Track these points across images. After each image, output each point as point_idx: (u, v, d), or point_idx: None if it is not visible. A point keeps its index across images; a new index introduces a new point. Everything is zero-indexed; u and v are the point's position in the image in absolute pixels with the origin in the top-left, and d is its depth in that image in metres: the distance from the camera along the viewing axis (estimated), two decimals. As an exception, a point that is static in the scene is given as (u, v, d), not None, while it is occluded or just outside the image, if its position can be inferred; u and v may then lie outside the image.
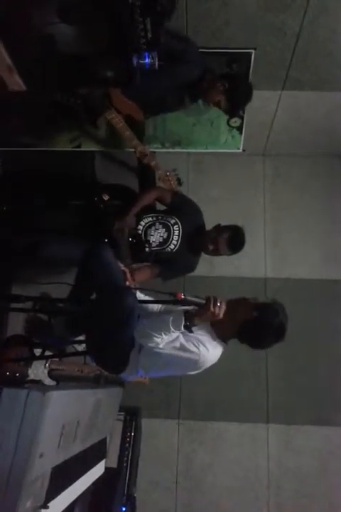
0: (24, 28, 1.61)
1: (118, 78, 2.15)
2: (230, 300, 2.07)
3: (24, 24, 1.60)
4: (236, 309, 2.08)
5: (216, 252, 2.70)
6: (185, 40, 2.52)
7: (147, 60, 1.99)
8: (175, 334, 1.99)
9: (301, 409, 3.54)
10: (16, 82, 1.76)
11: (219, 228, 2.71)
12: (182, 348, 2.01)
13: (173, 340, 2.01)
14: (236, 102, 2.69)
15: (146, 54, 1.98)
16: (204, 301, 2.01)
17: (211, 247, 2.68)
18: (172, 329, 1.97)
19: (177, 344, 2.01)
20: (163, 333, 1.98)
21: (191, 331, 2.01)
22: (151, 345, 2.01)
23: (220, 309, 1.95)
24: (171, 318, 1.99)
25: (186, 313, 2.02)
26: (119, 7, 1.71)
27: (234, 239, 2.67)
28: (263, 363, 3.61)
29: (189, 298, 2.00)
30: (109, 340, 2.20)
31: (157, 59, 1.99)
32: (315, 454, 3.51)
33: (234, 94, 2.61)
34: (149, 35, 1.84)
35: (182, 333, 2.01)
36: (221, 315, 1.96)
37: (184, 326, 1.98)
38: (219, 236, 2.67)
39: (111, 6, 1.70)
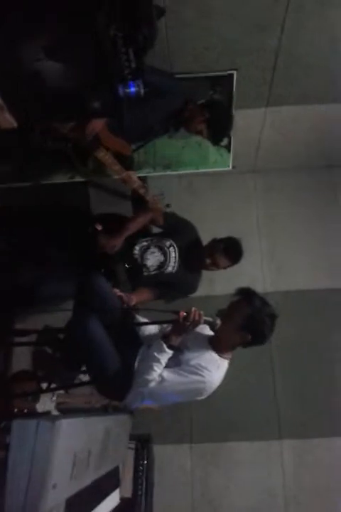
0: (11, 65, 1.67)
1: (105, 109, 2.21)
2: (221, 313, 2.10)
3: (11, 62, 1.66)
4: (231, 316, 2.10)
5: (214, 265, 2.71)
6: (164, 74, 2.62)
7: (133, 89, 2.05)
8: (166, 355, 2.03)
9: (313, 422, 3.50)
10: (7, 120, 1.81)
11: (214, 241, 2.75)
12: (186, 378, 2.03)
13: (177, 374, 2.04)
14: (217, 131, 2.77)
15: (132, 83, 2.04)
16: (210, 319, 2.04)
17: (208, 261, 2.70)
18: (158, 356, 2.02)
19: (181, 379, 2.03)
20: (154, 367, 2.02)
21: (175, 349, 2.06)
22: (152, 384, 2.03)
23: (194, 317, 1.98)
24: (153, 348, 2.06)
25: (163, 335, 2.09)
26: (102, 40, 1.77)
27: (230, 248, 2.70)
28: (271, 378, 3.59)
29: None
30: (93, 368, 2.22)
31: (142, 87, 2.05)
32: (331, 466, 3.46)
33: (216, 123, 2.69)
34: (133, 64, 1.90)
35: (180, 366, 2.05)
36: (201, 322, 2.00)
37: (167, 347, 2.03)
38: (215, 248, 2.70)
39: (93, 39, 1.76)
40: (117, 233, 2.66)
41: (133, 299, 2.48)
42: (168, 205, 2.75)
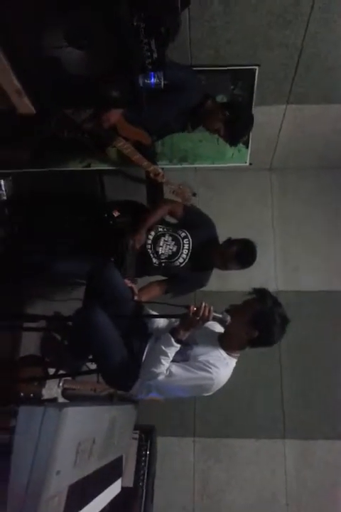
0: (32, 52, 1.66)
1: (124, 98, 2.19)
2: (230, 310, 2.09)
3: (33, 48, 1.65)
4: (241, 311, 2.08)
5: (224, 267, 2.69)
6: (183, 67, 2.59)
7: (153, 80, 2.04)
8: (174, 348, 2.02)
9: (318, 424, 3.50)
10: (26, 106, 1.81)
11: (228, 242, 2.71)
12: (194, 374, 2.03)
13: (185, 370, 2.04)
14: (235, 132, 2.70)
15: (152, 74, 2.03)
16: (220, 315, 2.03)
17: (218, 262, 2.68)
18: (166, 350, 2.01)
19: (189, 374, 2.03)
20: (162, 360, 2.02)
21: (183, 344, 2.05)
22: (161, 377, 2.03)
23: (204, 313, 1.96)
24: (161, 341, 2.06)
25: (171, 328, 2.07)
26: (125, 29, 1.76)
27: (241, 253, 2.64)
28: (278, 377, 3.59)
29: None
30: (99, 360, 2.23)
31: (163, 79, 2.04)
32: (333, 468, 3.45)
33: (234, 124, 2.63)
34: (154, 55, 1.89)
35: (188, 361, 2.05)
36: (210, 318, 1.98)
37: (175, 341, 2.01)
38: (227, 250, 2.66)
39: (116, 28, 1.74)
40: (139, 226, 2.65)
41: (143, 296, 2.48)
42: (194, 194, 2.72)
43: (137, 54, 1.85)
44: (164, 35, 1.83)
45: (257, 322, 2.05)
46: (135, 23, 1.75)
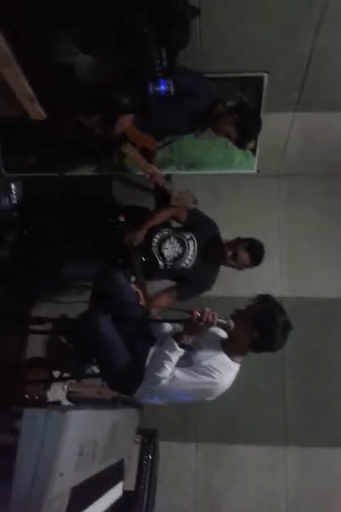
0: (45, 59, 1.68)
1: (134, 105, 2.22)
2: (234, 315, 2.09)
3: (45, 56, 1.67)
4: (244, 317, 2.09)
5: (234, 259, 2.71)
6: (193, 73, 2.61)
7: (162, 87, 2.06)
8: (177, 353, 2.02)
9: (320, 431, 3.48)
10: (37, 111, 1.83)
11: (239, 239, 2.75)
12: (197, 379, 2.03)
13: (188, 374, 2.04)
14: (245, 135, 2.73)
15: (162, 81, 2.05)
16: (223, 321, 2.04)
17: (230, 253, 2.69)
18: (170, 355, 2.02)
19: (192, 379, 2.04)
20: (165, 365, 2.02)
21: (187, 349, 2.05)
22: (164, 382, 2.04)
23: (208, 318, 1.96)
24: (164, 346, 2.06)
25: (175, 333, 2.08)
26: (136, 37, 1.78)
27: (253, 248, 2.70)
28: (281, 384, 3.58)
29: None
30: (103, 365, 2.23)
31: (172, 86, 2.06)
32: (335, 477, 3.44)
33: (244, 126, 2.66)
34: (164, 63, 1.91)
35: (192, 366, 2.06)
36: (214, 323, 1.98)
37: (179, 346, 2.02)
38: (239, 244, 2.70)
39: (127, 36, 1.76)
40: (139, 225, 2.67)
41: (154, 306, 2.50)
42: (195, 202, 2.74)
43: (148, 61, 1.87)
44: (174, 43, 1.85)
45: (257, 322, 2.06)
46: (146, 31, 1.77)
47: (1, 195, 3.12)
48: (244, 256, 2.69)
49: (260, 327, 2.06)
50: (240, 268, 2.76)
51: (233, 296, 3.52)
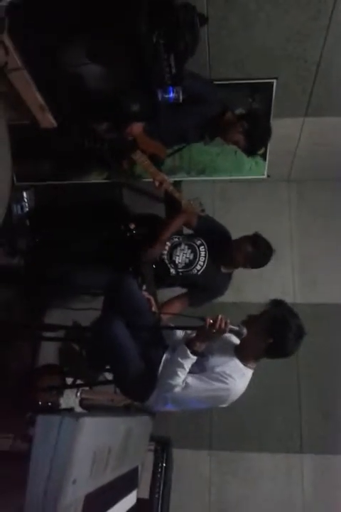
0: (56, 70, 1.71)
1: (143, 112, 2.24)
2: (247, 321, 2.08)
3: (56, 67, 1.70)
4: (257, 323, 2.08)
5: (240, 254, 2.70)
6: (202, 80, 2.62)
7: (171, 95, 2.08)
8: (190, 360, 2.02)
9: (336, 438, 3.43)
10: (48, 120, 1.86)
11: (244, 236, 2.75)
12: (210, 385, 2.02)
13: (201, 381, 2.03)
14: (254, 143, 2.73)
15: (171, 88, 2.07)
16: (236, 328, 2.03)
17: (236, 252, 2.70)
18: (182, 362, 2.01)
19: (205, 385, 2.02)
20: (178, 372, 2.01)
21: (199, 355, 2.04)
22: (177, 389, 2.03)
23: (220, 325, 1.95)
24: (176, 353, 2.06)
25: (187, 340, 2.07)
26: (145, 45, 1.80)
27: (257, 239, 2.69)
28: (296, 390, 3.54)
29: None
30: (116, 370, 2.23)
31: (181, 93, 2.07)
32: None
33: (253, 135, 2.65)
34: (173, 70, 1.93)
35: (204, 373, 2.05)
36: (226, 330, 1.97)
37: (192, 353, 2.01)
38: (244, 240, 2.70)
39: (137, 45, 1.79)
40: (156, 240, 2.68)
41: (165, 312, 2.50)
42: (202, 210, 2.75)
43: (156, 69, 1.89)
44: (183, 51, 1.87)
45: (272, 328, 2.04)
46: (154, 40, 1.80)
47: (13, 203, 3.16)
48: (246, 247, 2.68)
49: (273, 333, 2.04)
50: (245, 264, 2.74)
51: (245, 302, 3.50)
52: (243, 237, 2.74)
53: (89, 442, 1.69)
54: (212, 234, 2.81)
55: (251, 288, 3.45)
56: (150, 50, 1.82)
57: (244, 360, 2.12)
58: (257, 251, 2.68)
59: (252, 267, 2.76)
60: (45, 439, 1.54)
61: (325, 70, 2.80)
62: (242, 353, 2.13)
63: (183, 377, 2.03)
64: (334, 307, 3.67)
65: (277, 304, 2.13)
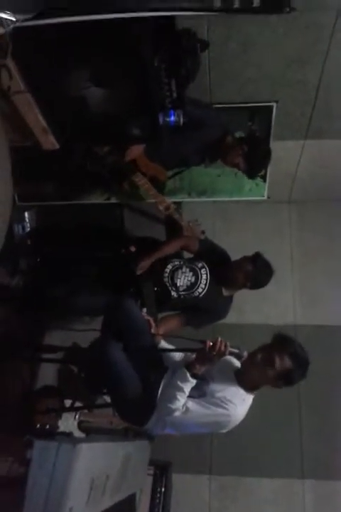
0: (59, 93, 1.73)
1: (144, 135, 2.26)
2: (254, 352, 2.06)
3: (59, 90, 1.72)
4: (259, 356, 2.06)
5: (240, 273, 2.68)
6: (202, 104, 2.65)
7: (172, 118, 2.10)
8: (190, 384, 1.99)
9: (337, 464, 3.37)
10: (50, 142, 1.88)
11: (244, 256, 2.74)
12: (210, 411, 1.99)
13: (201, 406, 2.01)
14: (254, 166, 2.76)
15: (172, 112, 2.09)
16: (236, 350, 2.01)
17: (236, 271, 2.69)
18: (182, 386, 1.98)
19: (205, 411, 2.00)
20: (178, 396, 1.98)
21: (199, 378, 2.01)
22: (177, 413, 2.00)
23: (220, 348, 1.93)
24: (176, 376, 2.02)
25: (187, 363, 2.04)
26: (147, 70, 1.83)
27: (257, 259, 2.67)
28: (296, 414, 3.50)
29: None
30: (114, 395, 2.21)
31: (182, 117, 2.09)
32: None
33: (253, 158, 2.69)
34: (174, 94, 1.95)
35: (205, 398, 2.01)
36: (226, 353, 1.94)
37: (191, 376, 1.98)
38: (244, 260, 2.69)
39: (139, 69, 1.81)
40: (148, 254, 2.68)
41: (161, 328, 2.48)
42: (203, 232, 2.75)
43: (158, 93, 1.91)
44: (184, 75, 1.89)
45: (285, 377, 2.02)
46: (156, 64, 1.82)
47: (15, 224, 3.17)
48: (245, 263, 2.67)
49: (286, 380, 2.03)
50: (245, 284, 2.72)
51: (246, 324, 3.48)
52: (243, 257, 2.74)
53: (87, 469, 1.67)
54: (213, 256, 2.81)
55: (251, 309, 3.43)
56: (152, 75, 1.84)
57: (245, 386, 2.09)
58: (257, 270, 2.67)
59: (253, 287, 2.75)
60: (42, 465, 1.52)
61: (324, 93, 2.84)
62: (243, 379, 2.11)
63: (183, 402, 2.00)
64: (335, 328, 3.64)
65: (289, 346, 2.08)
